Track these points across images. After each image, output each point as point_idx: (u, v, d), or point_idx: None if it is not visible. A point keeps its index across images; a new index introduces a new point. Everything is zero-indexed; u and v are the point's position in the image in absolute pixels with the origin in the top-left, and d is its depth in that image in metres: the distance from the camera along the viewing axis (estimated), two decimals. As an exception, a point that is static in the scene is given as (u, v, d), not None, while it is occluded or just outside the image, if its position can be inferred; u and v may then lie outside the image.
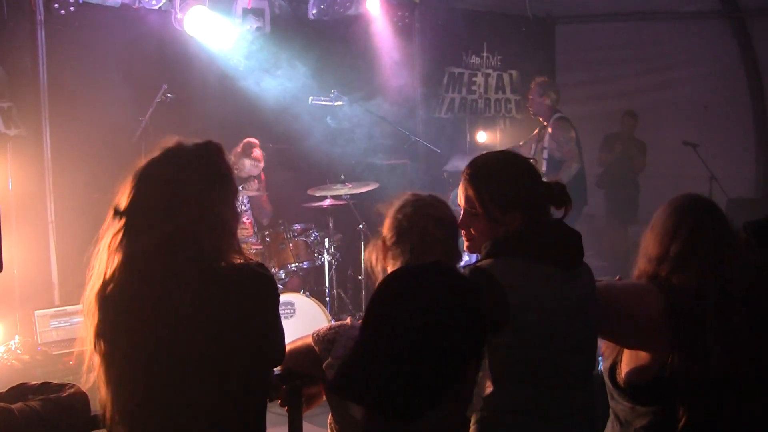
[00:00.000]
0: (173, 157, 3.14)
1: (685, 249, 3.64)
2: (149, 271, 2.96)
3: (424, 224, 3.42)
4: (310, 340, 3.37)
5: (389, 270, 3.40)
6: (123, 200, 3.09)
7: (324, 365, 3.25)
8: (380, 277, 3.44)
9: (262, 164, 9.52)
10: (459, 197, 3.57)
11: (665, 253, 3.69)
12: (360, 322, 3.39)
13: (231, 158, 9.19)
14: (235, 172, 9.21)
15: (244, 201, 9.55)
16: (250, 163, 9.38)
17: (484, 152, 3.73)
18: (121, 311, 2.96)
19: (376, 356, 2.26)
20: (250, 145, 9.45)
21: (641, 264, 3.81)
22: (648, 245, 3.78)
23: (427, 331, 2.21)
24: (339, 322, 3.42)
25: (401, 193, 3.60)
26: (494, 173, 3.50)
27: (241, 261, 3.12)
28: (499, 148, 12.12)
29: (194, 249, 2.99)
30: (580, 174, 10.01)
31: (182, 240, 2.98)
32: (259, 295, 3.12)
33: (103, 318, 2.98)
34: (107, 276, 3.01)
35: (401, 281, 2.37)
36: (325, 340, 3.32)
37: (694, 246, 3.62)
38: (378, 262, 3.50)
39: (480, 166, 3.55)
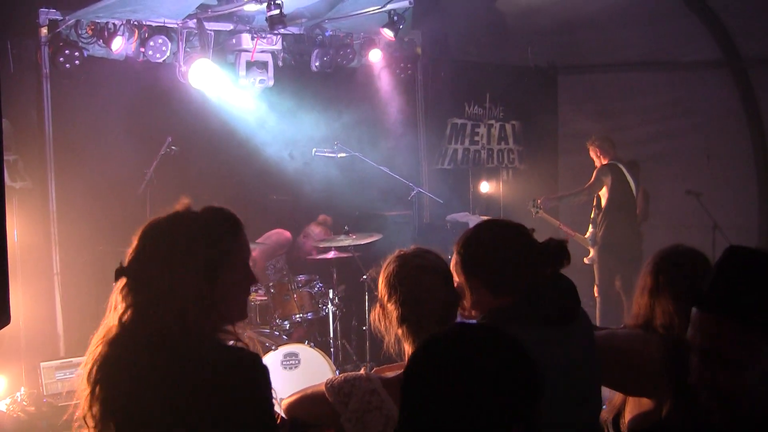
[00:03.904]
0: (175, 224, 3.07)
1: (653, 302, 3.70)
2: (136, 341, 2.94)
3: (411, 274, 3.40)
4: (323, 389, 3.32)
5: (393, 327, 3.41)
6: (126, 259, 3.05)
7: (342, 419, 3.23)
8: (390, 337, 3.45)
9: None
10: (452, 270, 3.57)
11: (639, 309, 3.75)
12: (375, 372, 3.39)
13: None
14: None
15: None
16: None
17: (477, 226, 3.67)
18: (108, 379, 2.96)
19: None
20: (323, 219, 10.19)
21: (629, 319, 3.86)
22: (634, 300, 3.85)
23: (474, 399, 2.18)
24: (354, 374, 3.37)
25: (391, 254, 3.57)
26: (484, 262, 3.45)
27: (231, 345, 3.04)
28: (502, 199, 12.21)
29: (178, 324, 2.91)
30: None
31: (165, 312, 2.91)
32: (239, 387, 2.94)
33: (95, 383, 2.99)
34: (106, 337, 3.02)
35: (444, 348, 2.31)
36: (341, 392, 3.27)
37: (661, 298, 3.68)
38: (381, 322, 3.48)
39: (470, 254, 3.50)
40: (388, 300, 3.42)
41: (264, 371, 2.99)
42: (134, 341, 2.94)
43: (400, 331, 3.38)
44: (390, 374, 3.37)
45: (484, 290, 3.42)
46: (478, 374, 2.20)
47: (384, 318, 3.45)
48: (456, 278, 3.52)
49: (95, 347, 3.02)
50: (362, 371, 3.41)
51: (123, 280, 3.03)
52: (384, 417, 3.19)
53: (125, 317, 2.98)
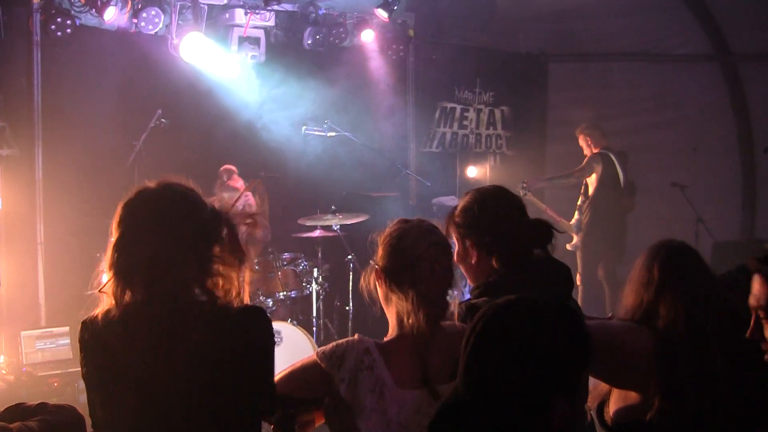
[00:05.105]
0: (170, 192, 3.07)
1: (657, 297, 3.72)
2: (141, 296, 2.90)
3: (431, 252, 3.35)
4: (314, 358, 3.31)
5: (404, 302, 3.31)
6: (116, 229, 3.01)
7: (335, 380, 3.21)
8: (387, 308, 3.42)
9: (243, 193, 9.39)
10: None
11: (640, 302, 3.76)
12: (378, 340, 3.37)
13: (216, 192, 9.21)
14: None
15: None
16: (227, 195, 9.26)
17: (473, 190, 3.72)
18: (111, 332, 2.91)
19: (481, 400, 2.37)
20: (226, 173, 9.47)
21: (621, 313, 3.88)
22: (626, 294, 3.86)
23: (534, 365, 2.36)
24: (345, 339, 3.37)
25: (391, 221, 3.50)
26: (474, 220, 3.52)
27: (241, 303, 3.06)
28: (489, 184, 12.20)
29: (183, 298, 2.93)
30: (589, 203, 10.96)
31: (170, 284, 2.91)
32: (253, 340, 3.05)
33: (92, 338, 2.96)
34: (103, 291, 2.96)
35: (515, 320, 2.46)
36: (334, 356, 3.26)
37: (667, 293, 3.70)
38: (382, 293, 3.41)
39: (463, 209, 3.56)
40: (403, 273, 3.33)
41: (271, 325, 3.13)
42: (137, 327, 2.89)
43: (408, 306, 3.29)
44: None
45: (458, 231, 3.50)
46: (540, 341, 2.39)
47: (387, 289, 3.38)
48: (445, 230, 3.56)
49: (85, 334, 2.98)
50: (356, 336, 3.39)
51: (114, 250, 2.97)
52: (375, 377, 3.20)
53: (125, 297, 2.92)
